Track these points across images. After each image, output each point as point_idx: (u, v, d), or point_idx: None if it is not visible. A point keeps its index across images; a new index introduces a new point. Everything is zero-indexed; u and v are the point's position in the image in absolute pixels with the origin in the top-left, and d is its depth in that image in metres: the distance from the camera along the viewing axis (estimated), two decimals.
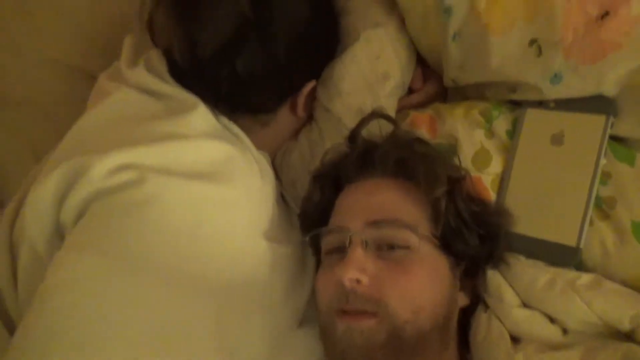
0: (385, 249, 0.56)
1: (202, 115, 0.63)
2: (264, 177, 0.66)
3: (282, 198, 0.72)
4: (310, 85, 0.69)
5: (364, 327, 0.52)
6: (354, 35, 0.70)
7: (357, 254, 0.54)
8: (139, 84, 0.65)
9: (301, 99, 0.69)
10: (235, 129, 0.66)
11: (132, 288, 0.50)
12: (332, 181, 0.65)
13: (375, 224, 0.56)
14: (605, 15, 0.56)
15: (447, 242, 0.58)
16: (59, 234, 0.56)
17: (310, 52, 0.67)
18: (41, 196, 0.56)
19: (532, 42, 0.60)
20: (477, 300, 0.62)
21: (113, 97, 0.64)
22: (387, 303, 0.53)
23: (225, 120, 0.66)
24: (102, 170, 0.54)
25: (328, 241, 0.60)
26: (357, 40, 0.69)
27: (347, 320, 0.54)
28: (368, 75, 0.69)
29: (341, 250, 0.57)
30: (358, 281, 0.53)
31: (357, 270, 0.53)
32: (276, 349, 0.60)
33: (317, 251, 0.63)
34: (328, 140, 0.69)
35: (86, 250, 0.52)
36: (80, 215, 0.55)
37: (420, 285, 0.54)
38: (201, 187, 0.57)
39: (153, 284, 0.51)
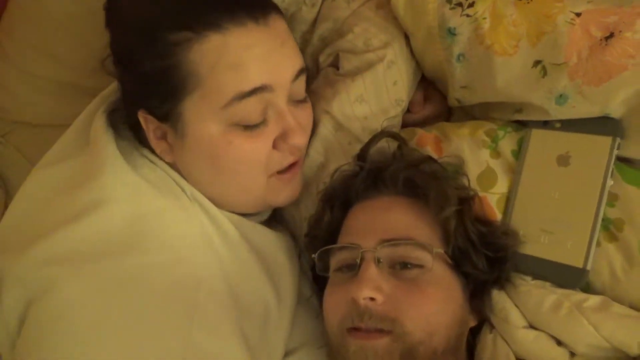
0: (398, 268, 0.56)
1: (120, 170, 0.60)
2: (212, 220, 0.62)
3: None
4: (140, 114, 0.60)
5: (378, 346, 0.52)
6: (378, 52, 0.69)
7: (371, 271, 0.54)
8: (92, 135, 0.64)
9: (149, 131, 0.61)
10: (174, 174, 0.62)
11: None
12: (340, 201, 0.65)
13: (388, 242, 0.56)
14: (609, 37, 0.56)
15: (457, 263, 0.58)
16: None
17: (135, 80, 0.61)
18: None
19: (537, 63, 0.60)
20: (482, 320, 0.62)
21: (34, 181, 0.64)
22: (402, 323, 0.52)
23: (168, 169, 0.63)
24: (25, 268, 0.53)
25: (339, 258, 0.60)
26: (381, 62, 0.69)
27: (360, 339, 0.53)
28: (385, 102, 0.70)
29: (352, 268, 0.57)
30: (372, 299, 0.53)
31: (373, 289, 0.53)
32: None
33: (324, 269, 0.62)
34: (332, 161, 0.69)
35: None
36: (21, 319, 0.53)
37: (436, 306, 0.54)
38: (130, 262, 0.55)
39: None
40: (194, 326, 0.54)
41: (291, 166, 0.64)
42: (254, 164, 0.61)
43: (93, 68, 0.83)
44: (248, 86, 0.56)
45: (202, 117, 0.58)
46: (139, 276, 0.54)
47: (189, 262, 0.58)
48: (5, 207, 0.85)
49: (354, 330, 0.54)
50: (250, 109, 0.57)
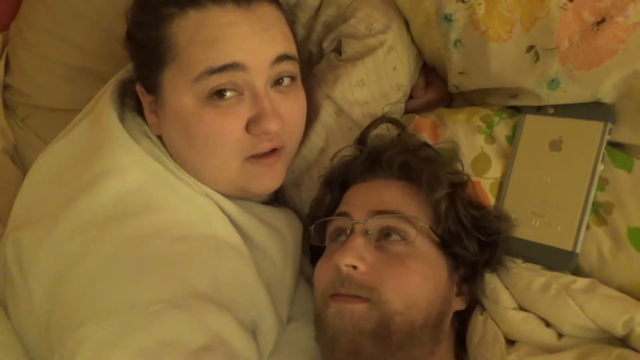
0: (383, 239, 0.58)
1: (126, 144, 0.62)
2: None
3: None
4: (137, 87, 0.65)
5: (355, 310, 0.54)
6: (379, 36, 0.70)
7: (357, 242, 0.56)
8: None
9: (144, 104, 0.65)
10: (163, 150, 0.64)
11: None
12: (339, 183, 0.67)
13: (377, 213, 0.58)
14: (601, 22, 0.56)
15: (446, 245, 0.59)
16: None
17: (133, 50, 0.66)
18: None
19: (530, 48, 0.60)
20: (474, 302, 0.63)
21: (44, 157, 0.66)
22: (380, 292, 0.54)
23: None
24: (57, 239, 0.56)
25: (332, 229, 0.62)
26: (382, 47, 0.69)
27: (338, 303, 0.55)
28: (386, 86, 0.71)
29: (344, 238, 0.59)
30: (355, 268, 0.55)
31: (355, 257, 0.55)
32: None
33: (320, 240, 0.65)
34: (332, 145, 0.71)
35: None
36: (48, 292, 0.55)
37: (416, 280, 0.56)
38: (150, 220, 0.58)
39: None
40: (220, 267, 0.58)
41: (271, 153, 0.63)
42: (224, 143, 0.61)
43: (107, 54, 0.88)
44: (219, 62, 0.58)
45: (177, 89, 0.60)
46: (161, 231, 0.57)
47: (203, 220, 0.61)
48: None
49: (335, 295, 0.56)
50: (220, 84, 0.58)
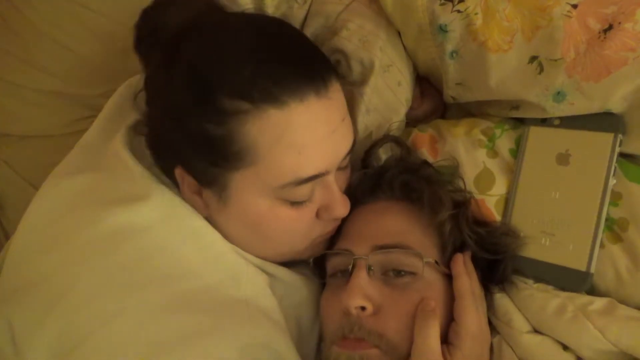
0: (391, 275, 0.56)
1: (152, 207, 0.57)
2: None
3: None
4: (177, 171, 0.57)
5: (364, 354, 0.52)
6: (375, 51, 0.67)
7: (361, 279, 0.54)
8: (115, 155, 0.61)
9: (183, 185, 0.58)
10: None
11: None
12: None
13: (380, 248, 0.56)
14: (608, 29, 0.53)
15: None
16: None
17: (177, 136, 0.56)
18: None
19: (533, 59, 0.57)
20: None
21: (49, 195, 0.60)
22: (389, 338, 0.52)
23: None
24: (72, 309, 0.51)
25: (333, 264, 0.60)
26: (379, 63, 0.66)
27: (348, 350, 0.53)
28: (395, 104, 0.68)
29: (345, 274, 0.57)
30: (363, 308, 0.53)
31: (362, 298, 0.53)
32: None
33: (322, 274, 0.62)
34: None
35: None
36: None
37: None
38: (173, 288, 0.53)
39: None
40: (250, 336, 0.53)
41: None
42: (297, 233, 0.59)
43: (79, 76, 0.83)
44: (307, 173, 0.54)
45: (251, 192, 0.55)
46: (187, 301, 0.53)
47: (232, 281, 0.57)
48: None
49: (343, 339, 0.54)
50: (303, 191, 0.56)
